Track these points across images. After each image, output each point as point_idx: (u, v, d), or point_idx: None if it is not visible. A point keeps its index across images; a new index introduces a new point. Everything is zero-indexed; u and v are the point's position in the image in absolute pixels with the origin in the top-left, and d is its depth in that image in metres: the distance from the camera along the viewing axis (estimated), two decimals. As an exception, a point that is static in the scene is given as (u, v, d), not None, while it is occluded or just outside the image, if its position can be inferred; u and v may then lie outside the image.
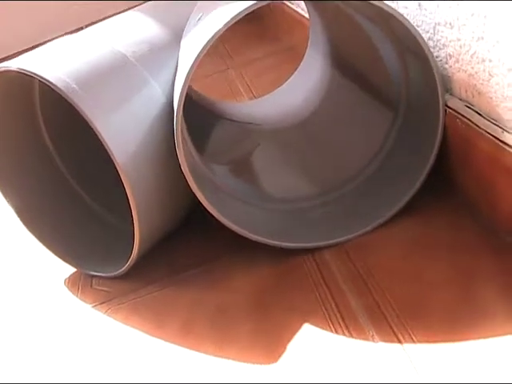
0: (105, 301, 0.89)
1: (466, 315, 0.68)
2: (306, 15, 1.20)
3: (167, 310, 0.83)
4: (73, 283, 0.95)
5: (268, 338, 0.74)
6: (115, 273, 0.90)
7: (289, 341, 0.72)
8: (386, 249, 0.81)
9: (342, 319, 0.73)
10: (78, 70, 0.81)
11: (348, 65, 1.03)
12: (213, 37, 0.74)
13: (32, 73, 0.78)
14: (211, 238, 0.92)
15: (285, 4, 1.52)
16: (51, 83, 0.77)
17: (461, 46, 0.74)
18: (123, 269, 0.88)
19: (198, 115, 1.05)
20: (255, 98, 1.34)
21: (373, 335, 0.69)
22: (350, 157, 0.92)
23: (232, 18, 0.73)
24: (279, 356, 0.71)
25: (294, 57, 1.30)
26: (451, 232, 0.80)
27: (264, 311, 0.78)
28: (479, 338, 0.65)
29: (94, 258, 0.95)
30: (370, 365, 0.66)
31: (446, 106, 0.79)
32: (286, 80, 1.21)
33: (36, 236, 0.95)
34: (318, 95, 1.08)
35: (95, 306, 0.89)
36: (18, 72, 0.80)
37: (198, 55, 0.74)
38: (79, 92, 0.78)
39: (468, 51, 0.73)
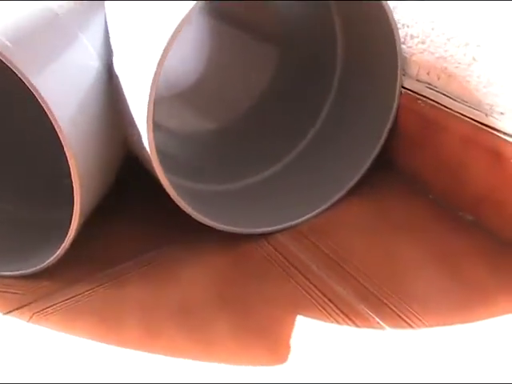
0: (21, 305, 0.74)
1: (463, 294, 0.70)
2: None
3: (115, 312, 0.72)
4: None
5: (261, 335, 0.68)
6: (35, 268, 0.75)
7: (289, 337, 0.67)
8: (345, 230, 0.79)
9: (337, 308, 0.70)
10: (9, 26, 0.66)
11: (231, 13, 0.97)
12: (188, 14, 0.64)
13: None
14: (138, 226, 0.82)
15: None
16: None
17: (433, 28, 0.75)
18: (51, 259, 0.74)
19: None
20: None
21: (378, 322, 0.68)
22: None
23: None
24: (286, 354, 0.66)
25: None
26: (407, 211, 0.81)
27: (238, 306, 0.71)
28: (489, 315, 0.67)
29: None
30: (392, 353, 0.64)
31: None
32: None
33: None
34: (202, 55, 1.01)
35: (9, 312, 0.74)
36: None
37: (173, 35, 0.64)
38: (12, 49, 0.64)
39: (444, 33, 0.74)
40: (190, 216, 0.75)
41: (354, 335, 0.66)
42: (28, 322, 0.72)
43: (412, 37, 0.77)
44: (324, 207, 0.80)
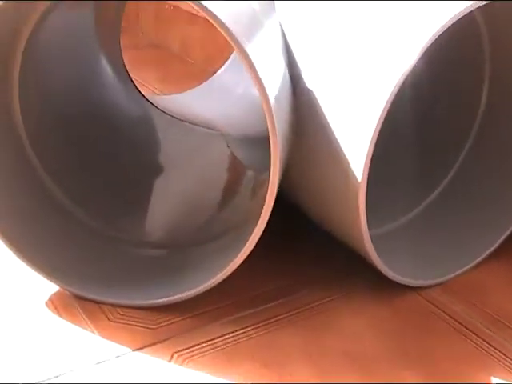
0: (154, 342, 0.63)
1: None
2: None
3: (277, 358, 0.61)
4: (72, 315, 0.65)
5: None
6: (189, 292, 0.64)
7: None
8: (495, 290, 0.74)
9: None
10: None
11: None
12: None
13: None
14: (283, 262, 0.74)
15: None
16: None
17: None
18: (221, 274, 0.63)
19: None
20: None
21: None
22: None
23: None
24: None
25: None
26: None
27: (423, 362, 0.62)
28: None
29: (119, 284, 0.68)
30: None
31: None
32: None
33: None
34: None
35: (140, 349, 0.62)
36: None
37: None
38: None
39: None
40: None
41: None
42: (170, 362, 0.60)
43: None
44: (473, 264, 0.74)
